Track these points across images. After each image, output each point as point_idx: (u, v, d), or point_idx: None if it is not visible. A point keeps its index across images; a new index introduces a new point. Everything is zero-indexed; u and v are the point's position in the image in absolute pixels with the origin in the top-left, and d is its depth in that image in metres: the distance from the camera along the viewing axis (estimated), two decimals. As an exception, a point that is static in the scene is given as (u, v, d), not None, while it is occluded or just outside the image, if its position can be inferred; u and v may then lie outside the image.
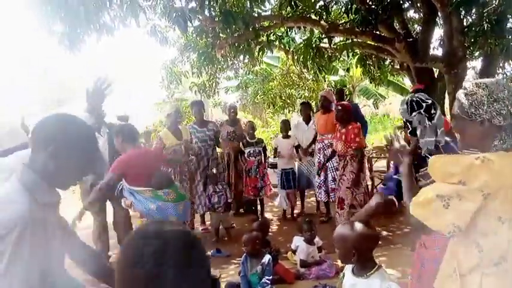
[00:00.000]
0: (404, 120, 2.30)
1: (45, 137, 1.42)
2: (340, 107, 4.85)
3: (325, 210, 5.93)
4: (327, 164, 5.48)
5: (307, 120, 6.24)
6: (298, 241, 4.31)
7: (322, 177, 5.59)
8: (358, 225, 1.95)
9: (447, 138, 2.19)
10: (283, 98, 10.33)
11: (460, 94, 1.49)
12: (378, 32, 5.35)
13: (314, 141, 6.00)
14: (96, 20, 4.61)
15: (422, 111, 2.17)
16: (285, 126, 6.28)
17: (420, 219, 1.45)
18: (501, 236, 1.34)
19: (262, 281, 3.68)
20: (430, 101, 2.21)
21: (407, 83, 12.32)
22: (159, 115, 14.02)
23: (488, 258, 1.38)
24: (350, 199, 4.70)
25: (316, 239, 4.30)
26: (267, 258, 3.80)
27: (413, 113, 2.19)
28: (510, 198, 1.31)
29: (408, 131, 2.26)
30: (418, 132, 2.16)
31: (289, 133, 6.27)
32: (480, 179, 1.32)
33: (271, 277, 3.73)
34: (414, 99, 2.24)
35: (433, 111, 2.18)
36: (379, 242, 4.70)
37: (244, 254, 3.92)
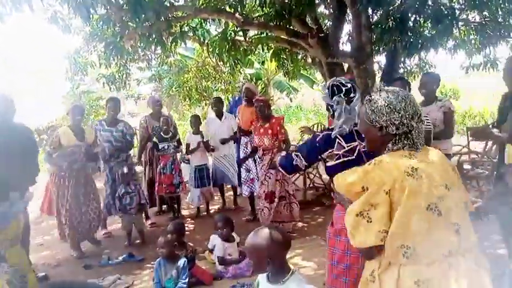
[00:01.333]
0: (326, 104, 2.40)
1: None
2: (262, 103, 4.88)
3: (250, 207, 5.86)
4: (256, 157, 5.45)
5: (219, 115, 6.13)
6: (214, 239, 4.20)
7: (253, 171, 5.52)
8: (271, 232, 1.88)
9: None
10: (199, 90, 10.10)
11: (366, 100, 1.64)
12: (291, 27, 5.39)
13: (233, 136, 5.93)
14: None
15: (342, 94, 2.26)
16: (196, 122, 6.13)
17: (365, 245, 1.50)
18: (397, 226, 1.44)
19: (178, 285, 3.53)
20: (349, 85, 2.31)
21: (318, 76, 12.82)
22: (64, 109, 13.00)
23: (395, 249, 1.46)
24: (279, 191, 4.75)
25: (234, 235, 4.23)
26: (182, 261, 3.65)
27: (334, 97, 2.27)
28: (403, 188, 1.44)
29: (330, 114, 2.37)
30: (336, 114, 2.24)
31: (201, 128, 6.14)
32: (377, 180, 1.46)
33: (187, 280, 3.59)
34: (335, 83, 2.32)
35: (352, 94, 2.28)
36: (295, 234, 4.87)
37: (158, 259, 3.73)
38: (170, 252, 3.67)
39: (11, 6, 4.75)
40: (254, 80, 11.41)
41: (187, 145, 6.00)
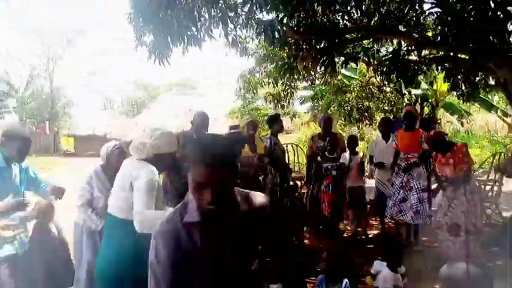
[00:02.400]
0: None
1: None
2: (432, 138, 4.68)
3: (405, 234, 5.56)
4: (412, 183, 5.17)
5: (386, 137, 5.94)
6: (380, 266, 4.05)
7: (406, 198, 5.26)
8: (469, 268, 1.72)
9: None
10: (361, 111, 9.99)
11: None
12: (477, 46, 4.94)
13: (396, 160, 5.68)
14: (186, 31, 4.73)
15: None
16: (352, 142, 6.07)
17: None
18: None
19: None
20: None
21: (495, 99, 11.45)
22: (234, 123, 14.26)
23: None
24: (464, 223, 4.38)
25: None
26: (344, 282, 3.63)
27: None
28: None
29: None
30: None
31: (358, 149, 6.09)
32: None
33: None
34: None
35: None
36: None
37: (320, 276, 3.78)
38: (332, 268, 3.69)
39: (204, 33, 5.49)
40: (419, 101, 10.78)
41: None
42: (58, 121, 26.82)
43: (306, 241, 5.70)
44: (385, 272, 3.87)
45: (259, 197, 1.61)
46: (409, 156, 5.38)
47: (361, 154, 6.11)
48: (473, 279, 1.67)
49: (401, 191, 5.32)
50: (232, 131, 5.15)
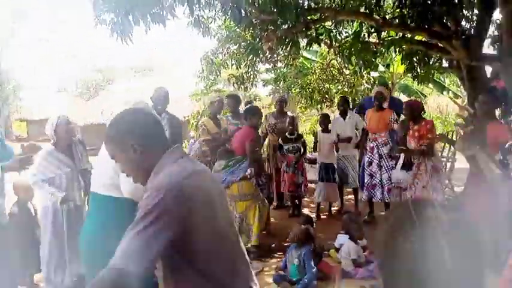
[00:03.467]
0: None
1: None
2: (408, 105, 4.84)
3: (369, 210, 5.79)
4: (382, 163, 5.39)
5: (343, 114, 6.16)
6: (343, 239, 4.25)
7: (376, 176, 5.48)
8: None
9: None
10: (322, 93, 10.18)
11: None
12: (434, 28, 5.16)
13: (347, 138, 5.91)
14: (149, 9, 4.62)
15: None
16: (325, 120, 6.24)
17: None
18: None
19: (307, 276, 3.66)
20: None
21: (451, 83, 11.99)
22: (196, 105, 14.14)
23: None
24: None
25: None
26: (304, 249, 3.79)
27: None
28: None
29: None
30: None
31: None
32: None
33: (314, 270, 3.71)
34: None
35: None
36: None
37: (291, 246, 3.94)
38: (298, 238, 3.84)
39: (166, 12, 5.39)
40: (377, 83, 11.13)
41: (316, 142, 6.17)
42: (8, 105, 25.45)
43: (272, 219, 5.83)
44: (350, 245, 4.06)
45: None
46: (376, 136, 5.58)
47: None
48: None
49: (371, 170, 5.52)
50: (248, 106, 5.36)
